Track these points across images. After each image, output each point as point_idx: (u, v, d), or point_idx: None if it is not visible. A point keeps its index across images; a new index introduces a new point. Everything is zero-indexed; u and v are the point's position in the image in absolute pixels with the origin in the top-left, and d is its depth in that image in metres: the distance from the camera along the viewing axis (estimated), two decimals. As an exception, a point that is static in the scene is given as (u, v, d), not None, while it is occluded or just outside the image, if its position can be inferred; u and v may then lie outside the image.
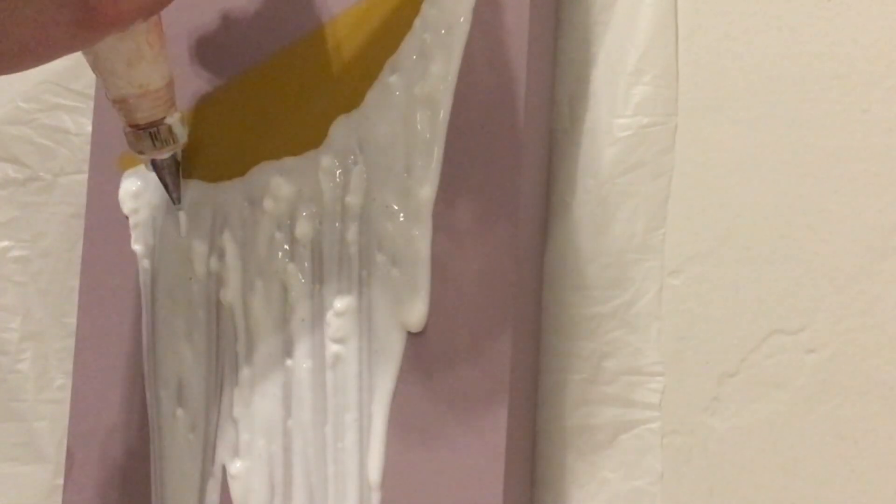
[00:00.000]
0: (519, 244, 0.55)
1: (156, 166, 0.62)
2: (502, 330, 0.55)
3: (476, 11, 0.57)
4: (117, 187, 0.65)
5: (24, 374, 0.70)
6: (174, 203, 0.63)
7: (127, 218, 0.64)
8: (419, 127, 0.58)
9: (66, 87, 0.70)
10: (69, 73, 0.70)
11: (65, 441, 0.66)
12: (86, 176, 0.67)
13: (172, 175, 0.62)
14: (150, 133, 0.59)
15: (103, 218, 0.65)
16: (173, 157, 0.62)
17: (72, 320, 0.68)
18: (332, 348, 0.59)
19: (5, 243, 0.71)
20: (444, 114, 0.57)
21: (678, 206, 0.56)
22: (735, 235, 0.55)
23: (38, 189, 0.71)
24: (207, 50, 0.63)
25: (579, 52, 0.58)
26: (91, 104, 0.68)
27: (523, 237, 0.56)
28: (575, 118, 0.58)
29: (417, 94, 0.58)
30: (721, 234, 0.55)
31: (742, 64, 0.55)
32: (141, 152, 0.60)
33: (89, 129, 0.67)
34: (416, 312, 0.57)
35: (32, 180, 0.71)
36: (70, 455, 0.65)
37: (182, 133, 0.60)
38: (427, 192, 0.57)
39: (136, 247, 0.64)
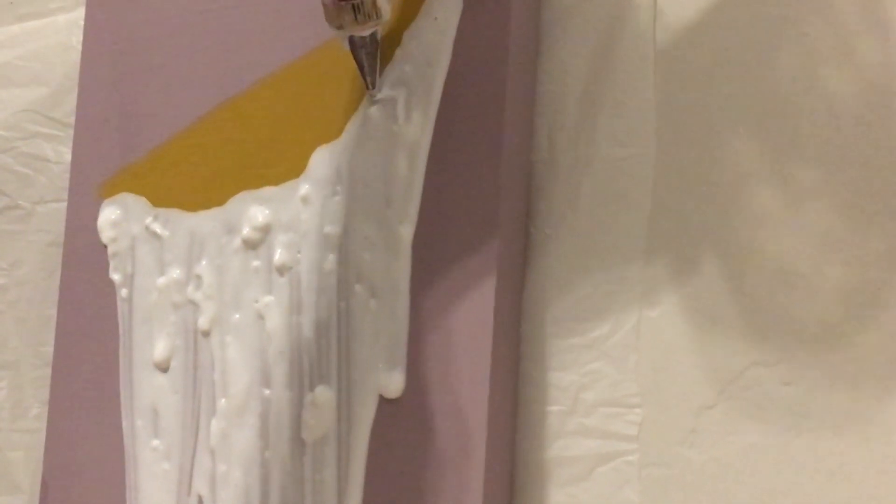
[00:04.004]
0: (498, 279, 0.55)
1: (353, 45, 0.56)
2: (481, 366, 0.55)
3: (457, 44, 0.57)
4: (96, 216, 0.65)
5: (-1, 403, 0.70)
6: (369, 88, 0.58)
7: (105, 246, 0.65)
8: (399, 161, 0.58)
9: (45, 116, 0.70)
10: (49, 101, 0.70)
11: (39, 472, 0.66)
12: (65, 204, 0.67)
13: (371, 56, 0.57)
14: (352, 5, 0.54)
15: (82, 246, 0.65)
16: (373, 35, 0.56)
17: (48, 349, 0.67)
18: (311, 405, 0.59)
19: (-18, 272, 0.71)
20: (423, 148, 0.57)
21: (656, 237, 0.56)
22: (713, 268, 0.55)
23: (16, 217, 0.70)
24: (189, 79, 0.63)
25: (558, 84, 0.59)
26: (70, 133, 0.68)
27: (502, 272, 0.56)
28: (554, 150, 0.58)
29: (397, 129, 0.58)
30: (699, 267, 0.55)
31: (718, 95, 0.55)
32: (340, 27, 0.55)
33: (69, 157, 0.67)
34: (394, 383, 0.57)
35: (11, 208, 0.71)
36: (45, 486, 0.64)
37: (387, 9, 0.55)
38: (406, 228, 0.57)
39: (115, 275, 0.64)
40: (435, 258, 0.57)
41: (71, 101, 0.68)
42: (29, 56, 0.71)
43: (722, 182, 0.55)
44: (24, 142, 0.71)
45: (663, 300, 0.55)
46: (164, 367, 0.62)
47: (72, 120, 0.68)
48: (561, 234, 0.58)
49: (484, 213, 0.56)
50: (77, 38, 0.68)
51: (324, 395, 0.58)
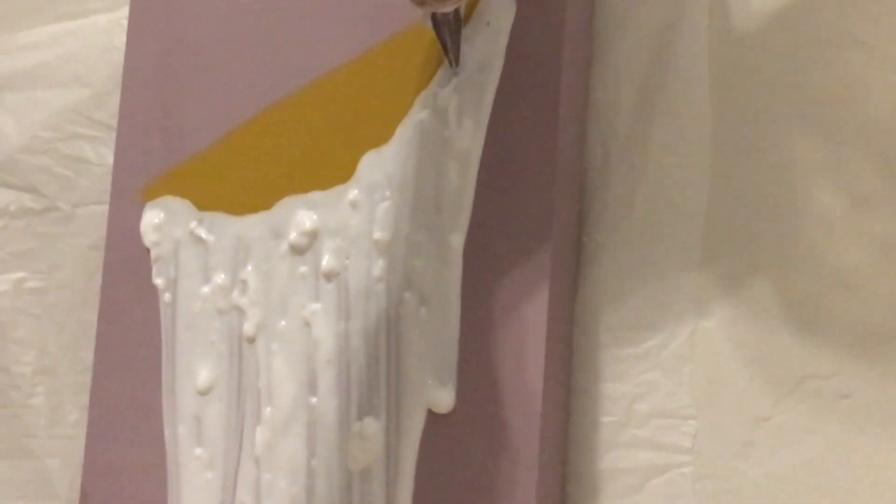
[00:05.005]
0: (551, 290, 0.55)
1: (435, 22, 0.56)
2: (534, 378, 0.54)
3: (509, 49, 0.57)
4: (138, 219, 0.64)
5: (36, 409, 0.69)
6: (452, 65, 0.57)
7: (148, 250, 0.64)
8: (450, 168, 0.57)
9: (87, 117, 0.69)
10: (91, 102, 0.69)
11: (77, 479, 0.65)
12: (106, 207, 0.66)
13: (453, 33, 0.56)
14: None
15: (123, 250, 0.65)
16: (457, 11, 0.55)
17: (87, 354, 0.66)
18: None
19: (20, 274, 0.70)
20: (475, 156, 0.57)
21: (711, 247, 0.55)
22: (769, 278, 0.54)
23: (55, 220, 0.70)
24: (234, 82, 0.63)
25: (612, 91, 0.58)
26: (112, 134, 0.67)
27: (555, 282, 0.55)
28: (607, 157, 0.58)
29: (448, 135, 0.57)
30: (755, 277, 0.54)
31: (774, 103, 0.55)
32: (421, 4, 0.53)
33: (110, 159, 0.67)
34: (444, 399, 0.56)
35: (50, 210, 0.70)
36: (84, 495, 0.64)
37: None
38: (457, 237, 0.57)
39: (158, 280, 0.63)
40: (486, 267, 0.56)
41: (114, 102, 0.67)
42: (69, 56, 0.71)
43: (779, 190, 0.54)
44: (65, 143, 0.70)
45: (718, 311, 0.55)
46: (206, 393, 0.62)
47: (115, 122, 0.67)
48: (614, 242, 0.57)
49: (537, 223, 0.55)
50: (119, 39, 0.68)
51: (371, 427, 0.57)
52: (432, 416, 0.56)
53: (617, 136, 0.58)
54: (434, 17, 0.55)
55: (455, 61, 0.57)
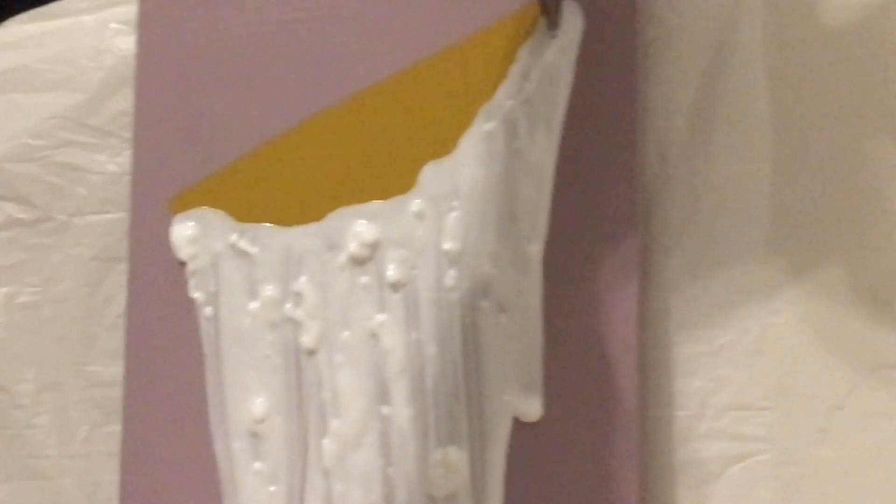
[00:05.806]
0: (639, 293, 0.57)
1: None
2: (629, 381, 0.56)
3: (580, 62, 0.58)
4: (164, 231, 0.62)
5: (43, 428, 0.66)
6: (552, 27, 0.58)
7: (178, 263, 0.62)
8: (523, 180, 0.58)
9: (80, 123, 0.66)
10: (84, 108, 0.66)
11: (93, 497, 0.63)
12: (107, 216, 0.64)
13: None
14: None
15: (149, 263, 0.63)
16: None
17: (96, 369, 0.65)
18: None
19: (10, 288, 0.66)
20: (549, 166, 0.58)
21: (777, 245, 0.58)
22: (836, 274, 0.57)
23: (48, 230, 0.66)
24: (284, 86, 0.62)
25: (669, 100, 0.59)
26: (110, 141, 0.65)
27: (641, 286, 0.57)
28: (665, 165, 0.59)
29: (519, 146, 0.58)
30: (822, 273, 0.57)
31: (833, 112, 0.58)
32: None
33: (110, 167, 0.65)
34: (532, 408, 0.57)
35: (42, 221, 0.66)
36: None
37: None
38: (535, 247, 0.58)
39: (196, 294, 0.62)
40: (569, 273, 0.57)
41: (109, 108, 0.65)
42: (53, 59, 0.67)
43: (845, 187, 0.57)
44: (56, 151, 0.66)
45: (788, 307, 0.58)
46: (264, 408, 0.61)
47: (111, 128, 0.65)
48: (680, 245, 0.59)
49: (622, 227, 0.57)
50: (111, 42, 0.65)
51: (454, 454, 0.57)
52: (520, 425, 0.57)
53: (674, 145, 0.59)
54: None
55: (556, 25, 0.58)
